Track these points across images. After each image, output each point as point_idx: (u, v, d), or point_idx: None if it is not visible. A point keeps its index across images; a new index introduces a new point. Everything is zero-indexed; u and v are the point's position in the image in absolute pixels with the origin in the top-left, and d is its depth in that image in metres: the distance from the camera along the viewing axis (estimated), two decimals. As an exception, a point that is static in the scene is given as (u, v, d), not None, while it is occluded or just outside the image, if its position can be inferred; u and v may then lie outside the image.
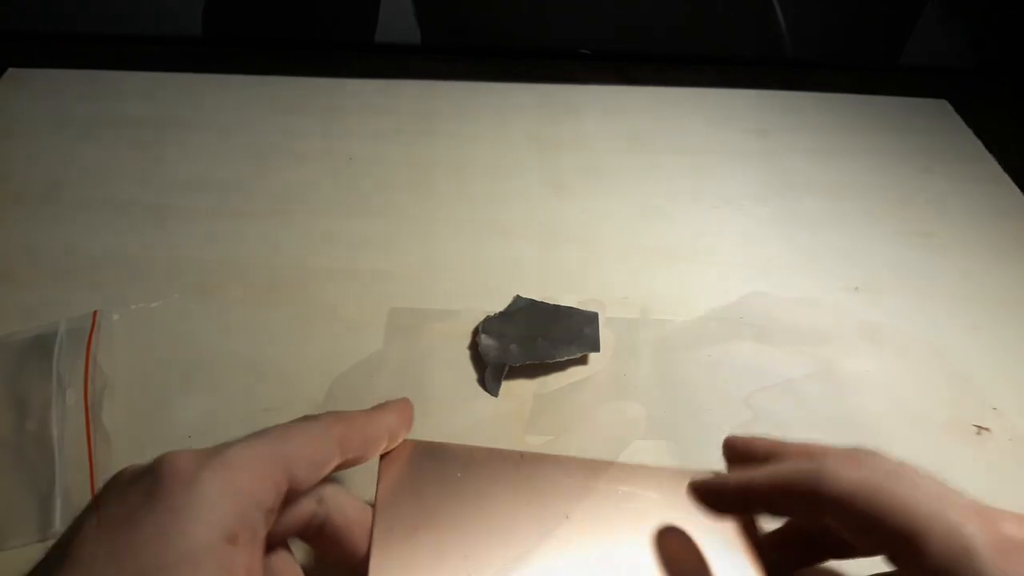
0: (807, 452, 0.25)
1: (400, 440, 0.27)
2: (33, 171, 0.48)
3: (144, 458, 0.31)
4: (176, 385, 0.35)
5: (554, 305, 0.39)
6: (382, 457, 0.27)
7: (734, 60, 0.63)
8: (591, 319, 0.38)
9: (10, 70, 0.57)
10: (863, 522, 0.22)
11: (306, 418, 0.25)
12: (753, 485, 0.25)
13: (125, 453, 0.32)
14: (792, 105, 0.57)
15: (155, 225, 0.44)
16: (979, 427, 0.35)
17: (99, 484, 0.30)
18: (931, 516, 0.22)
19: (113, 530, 0.19)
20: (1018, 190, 0.50)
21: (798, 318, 0.40)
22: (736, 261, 0.43)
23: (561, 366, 0.37)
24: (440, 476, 0.27)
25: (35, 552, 0.29)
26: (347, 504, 0.25)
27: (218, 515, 0.19)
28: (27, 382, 0.34)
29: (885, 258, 0.44)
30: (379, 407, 0.27)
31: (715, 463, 0.33)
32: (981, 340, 0.39)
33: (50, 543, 0.29)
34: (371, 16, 0.62)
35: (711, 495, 0.26)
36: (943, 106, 0.58)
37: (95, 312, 0.37)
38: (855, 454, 0.24)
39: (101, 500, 0.21)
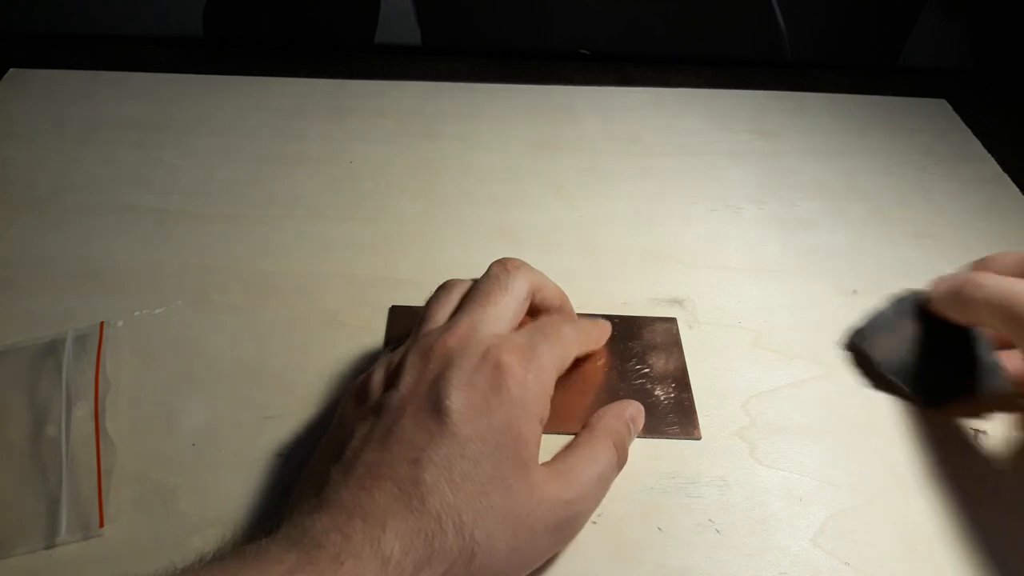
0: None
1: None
2: (34, 174, 0.48)
3: (148, 466, 0.32)
4: (179, 391, 0.35)
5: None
6: None
7: (733, 61, 0.63)
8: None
9: (10, 71, 0.57)
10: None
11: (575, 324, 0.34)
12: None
13: (128, 460, 0.32)
14: (791, 106, 0.57)
15: (156, 230, 0.44)
16: (975, 430, 0.35)
17: (106, 494, 0.31)
18: None
19: (474, 412, 0.27)
20: (1017, 190, 0.50)
21: (796, 321, 0.40)
22: (734, 264, 0.44)
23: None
24: None
25: (40, 560, 0.29)
26: None
27: (538, 408, 0.28)
28: (37, 390, 0.34)
29: (883, 260, 0.44)
30: (595, 330, 0.36)
31: (711, 464, 0.33)
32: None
33: (56, 551, 0.29)
34: (371, 17, 0.62)
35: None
36: (942, 106, 0.58)
37: (102, 323, 0.37)
38: None
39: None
